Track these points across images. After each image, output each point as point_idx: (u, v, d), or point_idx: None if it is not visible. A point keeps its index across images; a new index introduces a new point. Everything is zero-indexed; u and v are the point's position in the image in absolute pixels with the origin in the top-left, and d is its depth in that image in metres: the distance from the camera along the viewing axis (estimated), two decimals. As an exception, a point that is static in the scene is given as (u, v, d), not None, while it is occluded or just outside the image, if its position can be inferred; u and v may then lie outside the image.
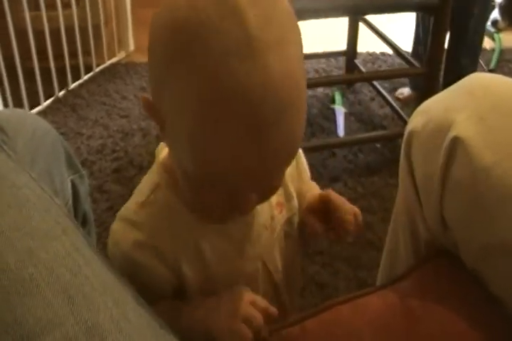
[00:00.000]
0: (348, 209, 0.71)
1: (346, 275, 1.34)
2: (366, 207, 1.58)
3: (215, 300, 0.62)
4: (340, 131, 1.95)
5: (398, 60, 2.35)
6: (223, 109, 0.47)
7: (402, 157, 0.75)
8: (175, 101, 0.50)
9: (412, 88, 2.18)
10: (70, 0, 2.13)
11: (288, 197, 0.72)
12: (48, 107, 2.12)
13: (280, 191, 0.70)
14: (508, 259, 0.62)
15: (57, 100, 2.16)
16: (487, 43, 2.15)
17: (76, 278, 0.44)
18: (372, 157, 1.83)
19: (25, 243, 0.45)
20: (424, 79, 1.69)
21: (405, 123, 1.80)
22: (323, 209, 0.70)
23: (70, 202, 0.87)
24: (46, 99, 2.12)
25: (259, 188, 0.56)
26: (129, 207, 0.65)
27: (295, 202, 0.73)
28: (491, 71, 2.38)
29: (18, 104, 1.93)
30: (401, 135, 1.95)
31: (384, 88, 2.13)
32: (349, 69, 2.29)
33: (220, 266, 0.66)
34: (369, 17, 2.05)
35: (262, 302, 0.60)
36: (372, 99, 2.18)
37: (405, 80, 2.24)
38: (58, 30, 2.10)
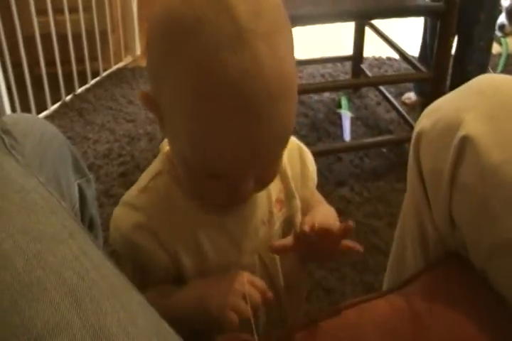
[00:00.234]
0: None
1: (353, 280, 1.34)
2: (372, 211, 1.58)
3: (215, 279, 0.65)
4: (347, 136, 1.94)
5: (404, 65, 2.35)
6: (217, 100, 0.50)
7: (411, 157, 0.75)
8: (172, 94, 0.54)
9: (417, 93, 2.18)
10: (77, 6, 2.14)
11: (289, 195, 0.73)
12: (55, 112, 2.13)
13: (281, 188, 0.72)
14: None
15: (64, 105, 2.17)
16: (494, 48, 2.15)
17: (83, 282, 0.44)
18: (378, 162, 1.82)
19: (33, 246, 0.45)
20: (430, 84, 1.68)
21: (411, 127, 1.80)
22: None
23: (77, 205, 0.87)
24: (53, 103, 2.13)
25: (255, 175, 0.59)
26: (131, 192, 0.68)
27: (297, 202, 0.73)
28: (497, 75, 2.38)
29: (25, 108, 1.94)
30: (407, 140, 1.95)
31: (390, 93, 2.13)
32: (355, 74, 2.29)
33: (216, 257, 0.68)
34: (375, 22, 2.05)
35: (260, 283, 0.63)
36: (379, 104, 2.18)
37: (411, 85, 2.24)
38: (65, 36, 2.11)
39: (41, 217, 0.49)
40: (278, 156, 0.60)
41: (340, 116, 2.07)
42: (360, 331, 0.64)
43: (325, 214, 0.72)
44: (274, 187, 0.71)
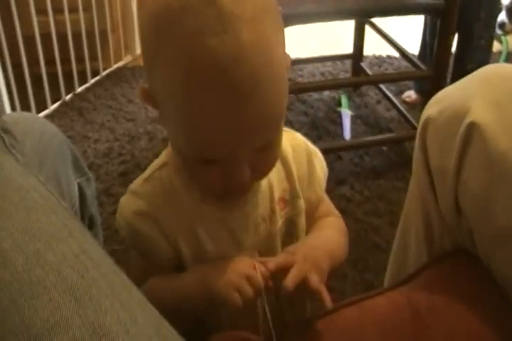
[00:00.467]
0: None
1: (353, 279, 1.34)
2: (373, 210, 1.58)
3: (218, 262, 0.66)
4: (347, 134, 1.94)
5: (404, 63, 2.35)
6: (201, 77, 0.52)
7: (417, 145, 0.75)
8: (162, 80, 0.56)
9: (417, 91, 2.18)
10: (77, 5, 2.14)
11: (293, 195, 0.73)
12: (55, 111, 2.13)
13: (286, 188, 0.72)
14: None
15: (64, 104, 2.17)
16: (494, 46, 2.15)
17: (83, 280, 0.44)
18: (378, 160, 1.82)
19: (33, 245, 0.45)
20: (430, 82, 1.68)
21: (412, 126, 1.81)
22: None
23: (77, 204, 0.87)
24: (53, 102, 2.13)
25: (248, 162, 0.60)
26: (136, 181, 0.71)
27: (301, 202, 0.73)
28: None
29: (25, 107, 1.94)
30: (407, 138, 1.95)
31: (390, 91, 2.13)
32: (355, 72, 2.29)
33: (215, 250, 0.69)
34: (375, 20, 2.05)
35: (261, 267, 0.64)
36: (379, 102, 2.18)
37: (412, 83, 2.24)
38: (65, 35, 2.11)
39: (41, 216, 0.49)
40: (271, 145, 0.61)
41: (340, 115, 2.07)
42: (361, 329, 0.64)
43: (313, 246, 0.70)
44: (278, 185, 0.72)
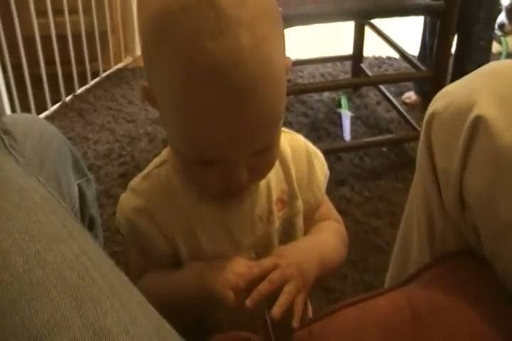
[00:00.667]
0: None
1: (353, 280, 1.34)
2: (373, 211, 1.58)
3: (215, 261, 0.67)
4: (347, 135, 1.94)
5: (404, 64, 2.35)
6: (200, 78, 0.52)
7: (422, 139, 0.74)
8: (161, 81, 0.56)
9: (417, 92, 2.18)
10: (77, 6, 2.14)
11: (291, 196, 0.73)
12: (55, 112, 2.13)
13: (285, 189, 0.72)
14: None
15: (64, 105, 2.18)
16: (494, 47, 2.15)
17: (83, 281, 0.44)
18: (378, 161, 1.82)
19: (33, 246, 0.45)
20: (430, 83, 1.69)
21: (412, 127, 1.81)
22: None
23: (77, 205, 0.87)
24: (53, 104, 2.13)
25: (247, 163, 0.60)
26: (136, 178, 0.72)
27: (299, 203, 0.73)
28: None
29: (25, 108, 1.94)
30: (407, 139, 1.96)
31: (390, 92, 2.13)
32: (355, 74, 2.29)
33: (212, 249, 0.70)
34: (375, 21, 2.05)
35: (256, 267, 0.64)
36: (379, 103, 2.18)
37: (411, 84, 2.24)
38: (65, 36, 2.11)
39: (41, 217, 0.49)
40: (269, 147, 0.61)
41: (340, 116, 2.07)
42: (362, 330, 0.63)
43: (302, 250, 0.70)
44: (276, 186, 0.72)
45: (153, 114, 2.10)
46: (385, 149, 1.88)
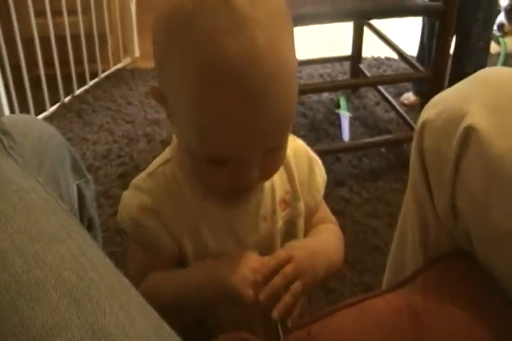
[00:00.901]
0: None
1: (352, 280, 1.34)
2: (371, 211, 1.58)
3: (226, 258, 0.66)
4: (345, 136, 1.94)
5: (403, 65, 2.35)
6: (216, 79, 0.53)
7: (414, 147, 0.75)
8: (175, 80, 0.57)
9: (415, 93, 2.18)
10: (76, 7, 2.14)
11: (294, 197, 0.74)
12: (54, 113, 2.13)
13: (288, 190, 0.73)
14: None
15: (63, 106, 2.17)
16: (492, 47, 2.15)
17: (82, 282, 0.44)
18: (377, 162, 1.83)
19: (32, 246, 0.45)
20: (429, 84, 1.69)
21: (410, 127, 1.81)
22: None
23: (76, 206, 0.87)
24: (52, 104, 2.13)
25: (257, 163, 0.60)
26: (140, 176, 0.72)
27: (301, 204, 0.74)
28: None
29: (24, 109, 1.94)
30: (406, 140, 1.96)
31: (389, 93, 2.13)
32: (354, 74, 2.29)
33: (216, 247, 0.70)
34: (374, 21, 2.05)
35: (268, 260, 0.65)
36: (377, 104, 2.18)
37: (410, 85, 2.24)
38: (64, 37, 2.11)
39: (40, 217, 0.49)
40: (280, 146, 0.62)
41: (339, 117, 2.07)
42: (361, 330, 0.63)
43: (313, 248, 0.71)
44: (280, 187, 0.72)
45: (152, 115, 2.10)
46: (383, 150, 1.88)
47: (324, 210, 0.80)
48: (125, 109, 2.17)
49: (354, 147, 1.86)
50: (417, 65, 1.77)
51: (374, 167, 1.80)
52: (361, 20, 2.04)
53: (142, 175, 0.71)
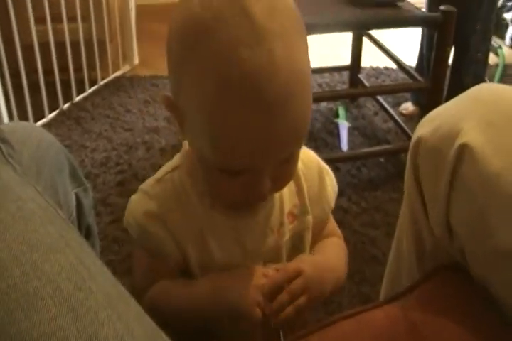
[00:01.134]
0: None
1: (350, 291, 1.33)
2: (370, 221, 1.58)
3: (230, 274, 0.67)
4: (344, 146, 1.95)
5: (402, 75, 2.36)
6: (234, 91, 0.52)
7: (409, 164, 0.75)
8: (189, 89, 0.56)
9: (414, 103, 2.19)
10: (76, 14, 2.15)
11: (302, 210, 0.73)
12: (53, 120, 2.13)
13: (296, 203, 0.73)
14: None
15: (62, 113, 2.17)
16: (491, 58, 2.16)
17: (80, 292, 0.44)
18: (375, 171, 1.83)
19: (30, 256, 0.45)
20: (427, 94, 1.69)
21: (409, 137, 1.80)
22: None
23: (74, 214, 0.87)
24: (51, 111, 2.13)
25: (270, 174, 0.60)
26: (148, 181, 0.72)
27: (309, 218, 0.74)
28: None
29: (23, 116, 1.94)
30: (405, 149, 1.95)
31: (388, 103, 2.13)
32: (353, 84, 2.30)
33: (222, 257, 0.69)
34: (373, 32, 2.06)
35: (273, 273, 0.65)
36: (376, 114, 2.19)
37: (409, 95, 2.24)
38: (63, 44, 2.12)
39: (38, 227, 0.49)
40: (293, 156, 0.62)
41: (337, 126, 2.08)
42: (359, 342, 0.63)
43: (321, 261, 0.71)
44: (289, 200, 0.72)
45: (151, 123, 2.10)
46: (382, 160, 1.88)
47: (331, 224, 0.80)
48: (124, 116, 2.17)
49: (353, 157, 1.86)
50: (416, 75, 1.78)
51: (372, 177, 1.80)
52: (360, 30, 2.05)
53: (150, 180, 0.71)
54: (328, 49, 2.70)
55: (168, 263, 0.70)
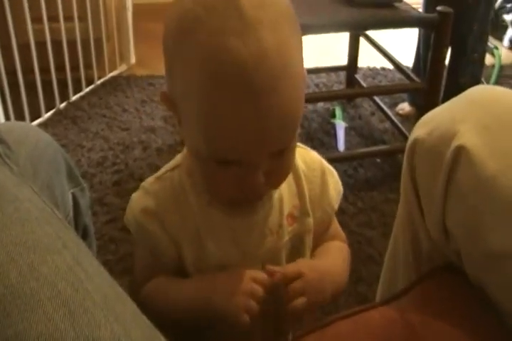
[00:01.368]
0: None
1: (346, 290, 1.33)
2: (366, 221, 1.58)
3: (220, 278, 0.67)
4: (341, 146, 1.95)
5: (398, 75, 2.36)
6: (223, 79, 0.54)
7: (405, 166, 0.75)
8: (182, 80, 0.58)
9: (411, 103, 2.19)
10: (73, 14, 2.14)
11: (302, 212, 0.73)
12: (49, 119, 2.12)
13: (296, 205, 0.73)
14: (510, 267, 0.62)
15: (58, 112, 2.17)
16: (487, 59, 2.16)
17: (77, 293, 0.44)
18: (372, 172, 1.83)
19: (27, 257, 0.45)
20: (424, 95, 1.69)
21: (405, 138, 1.81)
22: None
23: (71, 214, 0.87)
24: (47, 111, 2.12)
25: (264, 166, 0.60)
26: (149, 179, 0.73)
27: (310, 221, 0.73)
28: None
29: (19, 115, 1.94)
30: (401, 150, 1.95)
31: (384, 103, 2.13)
32: (349, 84, 2.30)
33: (218, 257, 0.69)
34: (370, 32, 2.06)
35: (262, 277, 0.65)
36: (373, 114, 2.19)
37: (406, 95, 2.25)
38: (60, 43, 2.11)
39: (35, 227, 0.49)
40: (287, 151, 0.62)
41: (334, 126, 2.08)
42: (356, 342, 0.63)
43: (322, 266, 0.72)
44: (289, 201, 0.72)
45: (148, 123, 2.10)
46: (378, 160, 1.88)
47: (335, 226, 0.80)
48: (120, 116, 2.16)
49: (349, 157, 1.86)
50: (412, 75, 1.78)
51: (369, 177, 1.80)
52: (357, 31, 2.05)
53: (151, 178, 0.73)
54: (324, 49, 2.70)
55: (164, 261, 0.71)
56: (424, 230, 0.73)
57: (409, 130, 0.79)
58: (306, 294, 0.65)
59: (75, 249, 0.50)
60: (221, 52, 0.53)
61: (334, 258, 0.75)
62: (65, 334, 0.40)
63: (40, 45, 2.02)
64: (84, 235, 0.94)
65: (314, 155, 0.76)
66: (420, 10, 1.97)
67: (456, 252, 0.69)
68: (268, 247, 0.71)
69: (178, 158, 0.73)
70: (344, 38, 2.22)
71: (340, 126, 2.07)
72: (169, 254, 0.70)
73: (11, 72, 1.89)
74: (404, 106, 2.20)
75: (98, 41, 2.31)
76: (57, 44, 2.10)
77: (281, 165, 0.64)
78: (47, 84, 2.07)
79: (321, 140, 1.99)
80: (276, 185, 0.67)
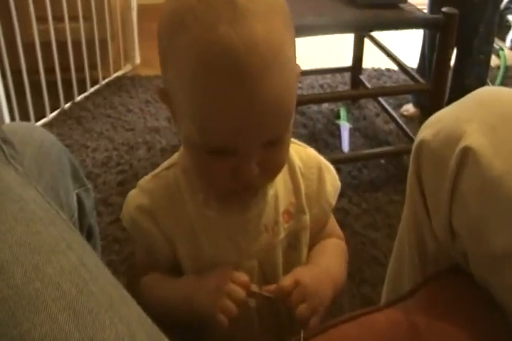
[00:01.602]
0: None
1: (350, 292, 1.33)
2: (370, 222, 1.58)
3: (202, 279, 0.67)
4: (345, 147, 1.95)
5: (403, 76, 2.36)
6: (212, 65, 0.54)
7: (411, 167, 0.75)
8: (175, 71, 0.59)
9: (415, 105, 2.19)
10: (78, 14, 2.15)
11: (299, 210, 0.73)
12: (54, 119, 2.12)
13: (292, 202, 0.73)
14: None
15: (63, 112, 2.17)
16: (492, 60, 2.16)
17: (82, 294, 0.44)
18: (376, 173, 1.83)
19: (32, 258, 0.45)
20: (429, 96, 1.69)
21: (410, 139, 1.81)
22: None
23: (76, 215, 0.87)
24: (52, 111, 2.12)
25: (257, 157, 0.60)
26: (146, 177, 0.74)
27: (306, 218, 0.73)
28: (495, 88, 2.38)
29: (24, 115, 1.94)
30: (406, 151, 1.96)
31: (389, 104, 2.13)
32: (354, 85, 2.30)
33: (213, 255, 0.70)
34: (374, 33, 2.06)
35: (243, 277, 0.65)
36: (377, 115, 2.18)
37: (410, 97, 2.24)
38: (65, 43, 2.12)
39: (40, 228, 0.49)
40: (280, 141, 0.62)
41: (338, 127, 2.07)
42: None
43: (318, 272, 0.71)
44: (284, 198, 0.72)
45: (152, 123, 2.10)
46: (383, 161, 1.88)
47: (332, 223, 0.79)
48: (125, 116, 2.17)
49: (354, 158, 1.86)
50: (417, 76, 1.77)
51: (373, 178, 1.80)
52: (362, 32, 2.04)
53: (147, 176, 0.73)
54: (329, 50, 2.70)
55: (159, 258, 0.72)
56: (430, 231, 0.73)
57: (414, 131, 0.79)
58: (307, 300, 0.65)
59: (80, 249, 0.50)
60: (212, 41, 0.54)
61: (331, 256, 0.75)
62: (70, 336, 0.40)
63: (45, 46, 2.02)
64: (88, 236, 0.94)
65: (311, 152, 0.76)
66: (425, 11, 1.96)
67: (462, 253, 0.69)
68: (263, 244, 0.71)
69: (175, 156, 0.73)
70: (349, 39, 2.21)
71: (345, 127, 2.07)
72: (163, 252, 0.71)
73: (16, 72, 1.89)
74: (409, 108, 2.20)
75: (103, 41, 2.32)
76: (62, 44, 2.10)
77: (275, 156, 0.64)
78: (52, 85, 2.08)
79: (326, 141, 1.99)
80: (271, 177, 0.67)
